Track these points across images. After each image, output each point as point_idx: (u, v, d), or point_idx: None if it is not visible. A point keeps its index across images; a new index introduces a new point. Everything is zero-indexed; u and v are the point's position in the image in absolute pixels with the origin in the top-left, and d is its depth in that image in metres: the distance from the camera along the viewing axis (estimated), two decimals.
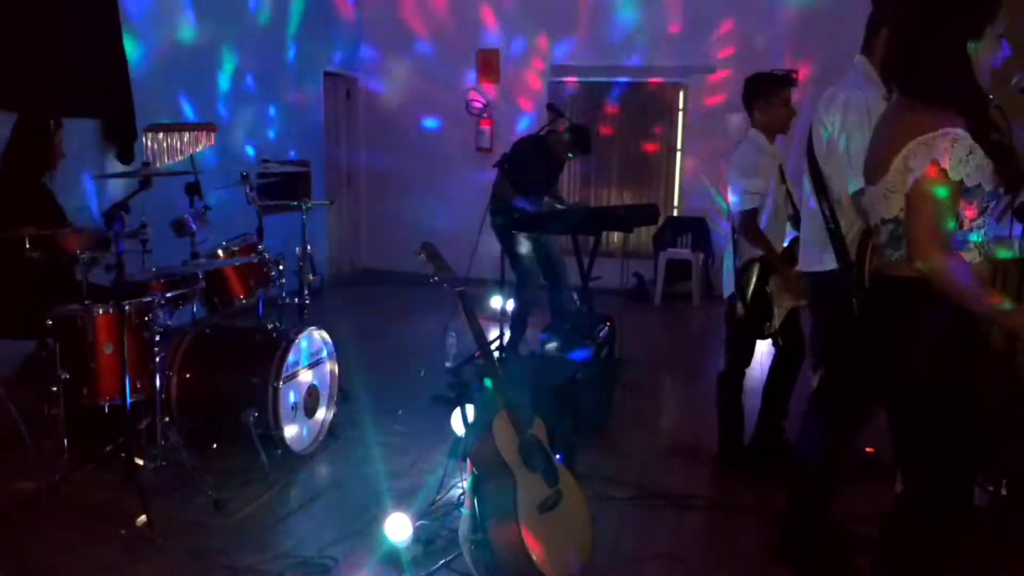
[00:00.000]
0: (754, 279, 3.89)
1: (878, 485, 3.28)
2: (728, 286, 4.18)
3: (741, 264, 4.01)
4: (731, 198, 4.09)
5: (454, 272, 3.11)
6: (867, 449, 4.13)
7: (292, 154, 8.27)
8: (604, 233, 6.89)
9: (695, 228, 9.04)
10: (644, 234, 9.04)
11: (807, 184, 3.15)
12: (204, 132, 5.57)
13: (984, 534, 3.28)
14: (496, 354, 5.51)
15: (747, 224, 3.92)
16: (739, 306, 3.97)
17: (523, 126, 9.13)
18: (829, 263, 3.00)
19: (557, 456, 3.13)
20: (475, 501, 2.94)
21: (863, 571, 2.86)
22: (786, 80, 4.18)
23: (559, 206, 6.16)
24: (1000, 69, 2.33)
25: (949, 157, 2.11)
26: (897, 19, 2.43)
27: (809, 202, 3.14)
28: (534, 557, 2.79)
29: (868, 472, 3.88)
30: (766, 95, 4.10)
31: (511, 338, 5.90)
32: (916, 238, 2.18)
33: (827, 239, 2.97)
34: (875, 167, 2.31)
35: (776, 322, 3.90)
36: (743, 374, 4.25)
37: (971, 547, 3.08)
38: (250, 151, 7.67)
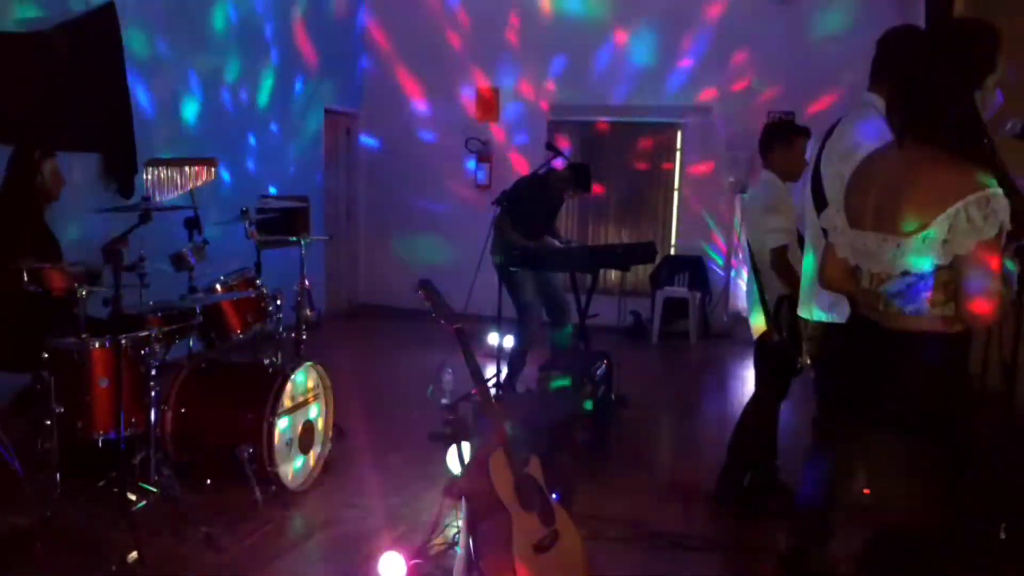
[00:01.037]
0: (789, 315, 3.90)
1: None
2: (754, 328, 4.19)
3: (774, 302, 4.02)
4: (754, 238, 4.11)
5: (452, 309, 3.11)
6: (864, 491, 4.10)
7: (291, 189, 8.31)
8: (601, 271, 6.91)
9: (692, 267, 9.06)
10: (641, 272, 9.06)
11: (812, 230, 3.11)
12: (204, 167, 5.60)
13: None
14: (493, 391, 5.50)
15: (778, 261, 3.93)
16: (776, 338, 3.96)
17: (521, 164, 9.18)
18: (840, 313, 2.92)
19: (553, 495, 3.11)
20: (470, 540, 2.92)
21: None
22: (805, 131, 4.27)
23: (558, 244, 6.18)
24: (993, 115, 2.36)
25: (1003, 216, 2.15)
26: (908, 70, 2.44)
27: (817, 249, 3.10)
28: None
29: (863, 512, 3.86)
30: (790, 142, 4.16)
31: (509, 374, 5.88)
32: (988, 288, 2.21)
33: None
34: (906, 218, 2.27)
35: (807, 358, 3.90)
36: (776, 414, 4.25)
37: None
38: (250, 186, 7.72)
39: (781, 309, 3.92)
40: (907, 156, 2.34)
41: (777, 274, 3.96)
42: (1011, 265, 2.35)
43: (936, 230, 2.19)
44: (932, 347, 2.29)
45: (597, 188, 8.81)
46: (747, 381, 7.05)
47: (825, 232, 2.82)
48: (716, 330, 9.06)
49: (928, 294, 2.26)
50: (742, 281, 8.86)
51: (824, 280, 2.66)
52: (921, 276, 2.26)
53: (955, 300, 2.23)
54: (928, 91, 2.32)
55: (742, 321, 8.66)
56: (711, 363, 8.15)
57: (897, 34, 3.02)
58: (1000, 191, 2.15)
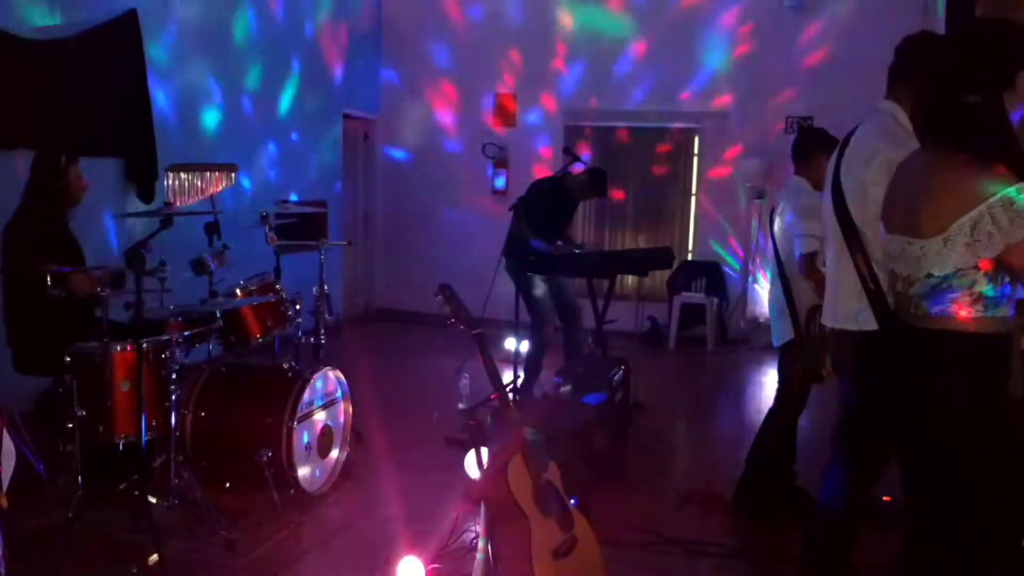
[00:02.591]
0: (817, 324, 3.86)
1: (889, 534, 3.22)
2: (779, 335, 4.18)
3: (803, 310, 3.98)
4: (785, 244, 4.07)
5: (471, 314, 3.12)
6: (884, 498, 4.08)
7: (310, 195, 8.37)
8: (618, 276, 6.90)
9: (710, 272, 9.03)
10: (659, 278, 9.03)
11: (834, 239, 3.08)
12: (225, 172, 5.64)
13: None
14: (510, 397, 5.50)
15: (808, 267, 3.87)
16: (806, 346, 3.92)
17: (539, 170, 9.18)
18: (864, 322, 2.90)
19: (571, 500, 3.11)
20: (489, 545, 2.92)
21: None
22: (836, 142, 4.22)
23: (575, 249, 6.18)
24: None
25: None
26: (928, 77, 2.43)
27: (839, 257, 3.09)
28: None
29: (880, 520, 3.83)
30: (827, 152, 4.11)
31: (525, 380, 5.89)
32: None
33: (862, 296, 2.81)
34: (925, 221, 2.28)
35: (830, 366, 3.86)
36: (796, 421, 4.24)
37: None
38: (269, 192, 7.76)
39: (813, 318, 3.88)
40: (929, 159, 2.35)
41: (807, 280, 3.91)
42: None
43: (956, 233, 2.20)
44: (960, 346, 2.29)
45: (615, 193, 8.84)
46: (765, 387, 7.05)
47: (859, 242, 2.80)
48: (733, 336, 9.04)
49: (952, 295, 2.26)
50: (760, 287, 8.83)
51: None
52: (944, 278, 2.26)
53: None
54: (951, 94, 2.32)
55: (759, 327, 8.64)
56: (729, 369, 8.13)
57: (916, 40, 3.00)
58: None
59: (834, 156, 3.14)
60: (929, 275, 2.29)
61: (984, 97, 2.28)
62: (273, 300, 4.57)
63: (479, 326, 3.10)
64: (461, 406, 5.79)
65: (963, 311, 2.27)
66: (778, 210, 4.23)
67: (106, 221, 5.65)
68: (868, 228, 2.83)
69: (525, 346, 5.96)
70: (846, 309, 3.01)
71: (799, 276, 3.96)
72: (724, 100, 8.92)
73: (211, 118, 6.95)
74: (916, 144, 2.63)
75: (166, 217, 3.89)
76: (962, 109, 2.29)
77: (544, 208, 5.89)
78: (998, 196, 2.14)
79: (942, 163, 2.29)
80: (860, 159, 2.97)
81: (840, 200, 2.99)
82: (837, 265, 3.08)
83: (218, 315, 4.23)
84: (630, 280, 9.18)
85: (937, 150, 2.34)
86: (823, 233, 3.87)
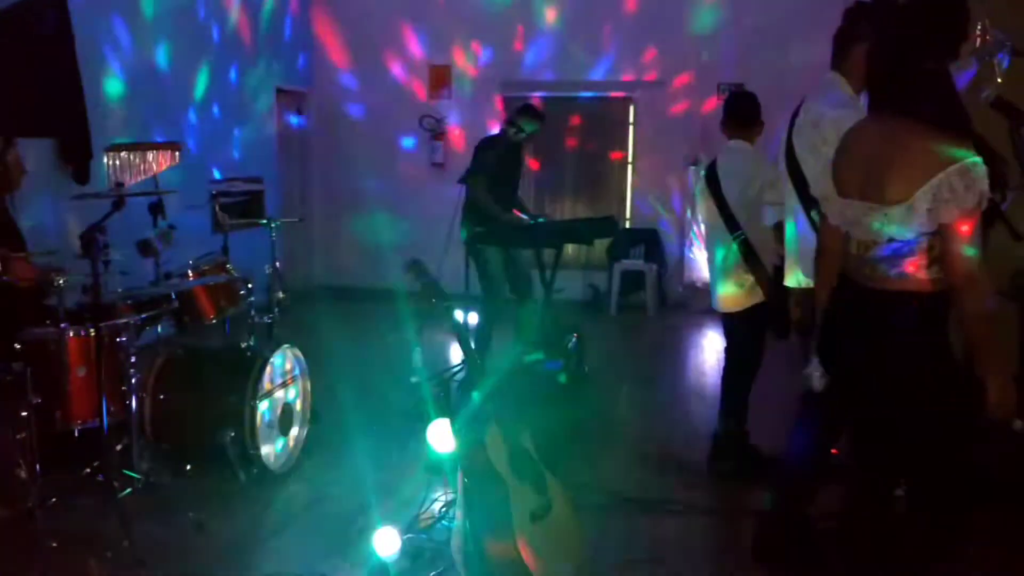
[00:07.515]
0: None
1: (838, 484, 3.37)
2: (730, 301, 4.26)
3: (771, 271, 4.03)
4: (748, 212, 4.08)
5: (442, 288, 3.15)
6: (832, 450, 4.25)
7: (244, 171, 8.22)
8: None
9: (648, 239, 9.18)
10: (599, 246, 9.13)
11: (793, 203, 3.21)
12: (168, 151, 5.51)
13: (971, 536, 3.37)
14: (462, 370, 5.56)
15: (779, 235, 3.83)
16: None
17: (476, 140, 9.16)
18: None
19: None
20: (467, 513, 2.98)
21: (836, 566, 3.05)
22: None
23: (525, 217, 6.19)
24: (970, 83, 2.48)
25: (982, 185, 2.25)
26: (882, 44, 2.53)
27: (797, 219, 3.21)
28: (529, 566, 2.83)
29: (831, 472, 4.01)
30: (760, 116, 4.18)
31: (477, 351, 5.93)
32: (970, 260, 2.32)
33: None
34: (889, 187, 2.38)
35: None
36: (755, 376, 4.35)
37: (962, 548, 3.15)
38: (201, 169, 7.60)
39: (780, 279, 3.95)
40: (888, 128, 2.45)
41: (778, 245, 3.91)
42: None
43: (920, 199, 2.31)
44: (913, 303, 2.42)
45: (553, 163, 8.90)
46: (705, 350, 7.25)
47: (815, 201, 2.91)
48: (672, 301, 9.22)
49: (912, 259, 2.38)
50: (696, 252, 8.99)
51: (822, 247, 2.77)
52: (906, 243, 2.38)
53: (942, 263, 2.35)
54: (907, 61, 2.42)
55: (697, 292, 8.83)
56: (670, 333, 8.29)
57: (868, 7, 3.10)
58: (979, 160, 2.26)
59: (787, 126, 3.27)
60: (890, 239, 2.41)
61: (936, 65, 2.39)
62: (226, 280, 4.53)
63: (449, 299, 3.14)
64: (414, 380, 5.80)
65: (921, 273, 2.40)
66: (726, 176, 4.26)
67: (42, 203, 5.47)
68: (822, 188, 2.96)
69: (474, 318, 5.99)
70: (806, 267, 3.15)
71: (765, 241, 4.03)
72: (657, 68, 9.03)
73: (140, 95, 6.74)
74: (859, 107, 2.76)
75: (119, 199, 3.80)
76: (917, 77, 2.40)
77: (492, 162, 5.87)
78: (957, 163, 2.26)
79: (903, 131, 2.39)
80: (809, 124, 3.12)
81: (795, 166, 3.13)
82: (795, 226, 3.22)
83: (173, 296, 4.18)
84: (571, 249, 9.27)
85: (893, 118, 2.44)
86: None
